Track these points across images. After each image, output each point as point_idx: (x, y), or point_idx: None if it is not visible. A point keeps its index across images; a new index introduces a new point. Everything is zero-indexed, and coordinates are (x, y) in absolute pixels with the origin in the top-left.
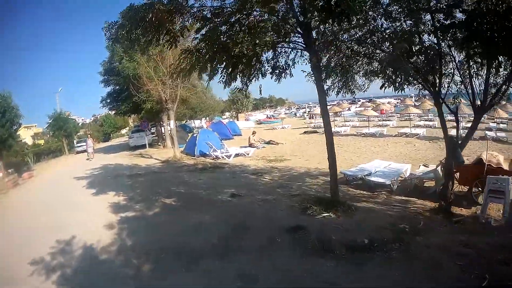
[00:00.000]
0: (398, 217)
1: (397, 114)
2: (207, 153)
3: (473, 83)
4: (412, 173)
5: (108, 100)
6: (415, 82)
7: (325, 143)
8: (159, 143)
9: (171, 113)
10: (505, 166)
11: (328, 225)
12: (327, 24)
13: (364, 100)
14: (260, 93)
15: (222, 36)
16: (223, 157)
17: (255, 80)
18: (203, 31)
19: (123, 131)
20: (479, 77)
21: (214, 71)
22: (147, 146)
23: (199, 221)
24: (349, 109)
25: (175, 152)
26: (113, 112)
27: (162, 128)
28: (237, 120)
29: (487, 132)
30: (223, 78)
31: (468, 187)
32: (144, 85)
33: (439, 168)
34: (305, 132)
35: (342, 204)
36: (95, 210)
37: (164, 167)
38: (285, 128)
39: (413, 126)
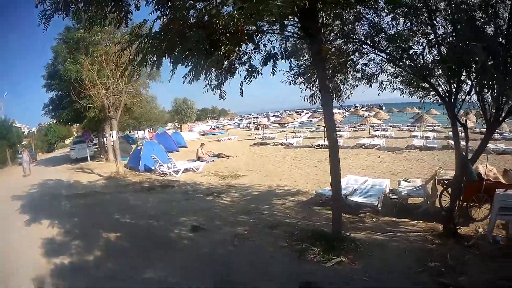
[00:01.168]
0: (413, 250)
1: (348, 125)
2: (153, 168)
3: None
4: (391, 189)
5: (51, 107)
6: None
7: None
8: (101, 156)
9: (114, 122)
10: (502, 180)
11: (348, 276)
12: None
13: (307, 111)
14: (242, 94)
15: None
16: (170, 173)
17: (236, 73)
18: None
19: (67, 141)
20: None
21: (181, 53)
22: (89, 159)
23: (157, 280)
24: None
25: (118, 167)
26: (55, 120)
27: (105, 139)
28: (181, 131)
29: (450, 141)
30: (193, 66)
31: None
32: (87, 90)
33: (429, 184)
34: (254, 144)
35: (347, 241)
36: (23, 251)
37: (107, 185)
38: (232, 139)
39: (369, 137)
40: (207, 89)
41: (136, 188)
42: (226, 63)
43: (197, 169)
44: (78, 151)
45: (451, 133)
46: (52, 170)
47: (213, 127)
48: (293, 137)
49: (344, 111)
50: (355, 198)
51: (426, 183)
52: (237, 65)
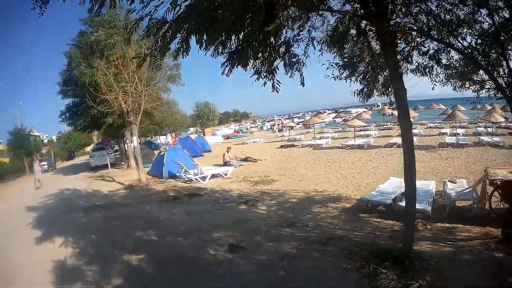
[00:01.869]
0: (484, 262)
1: (373, 124)
2: (177, 174)
3: None
4: (437, 191)
5: (68, 115)
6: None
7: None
8: (122, 162)
9: (134, 127)
10: None
11: None
12: None
13: (329, 111)
14: (303, 84)
15: None
16: (197, 179)
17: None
18: None
19: (88, 149)
20: None
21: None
22: (109, 166)
23: None
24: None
25: (140, 175)
26: (71, 128)
27: (126, 145)
28: (204, 135)
29: (481, 137)
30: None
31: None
32: (103, 95)
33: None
34: (281, 147)
35: (418, 259)
36: (29, 276)
37: (128, 195)
38: (257, 142)
39: (397, 136)
40: (257, 78)
41: (161, 198)
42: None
43: (225, 174)
44: (97, 159)
45: (479, 128)
46: (70, 179)
47: (236, 130)
48: (320, 138)
49: (367, 109)
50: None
51: (476, 184)
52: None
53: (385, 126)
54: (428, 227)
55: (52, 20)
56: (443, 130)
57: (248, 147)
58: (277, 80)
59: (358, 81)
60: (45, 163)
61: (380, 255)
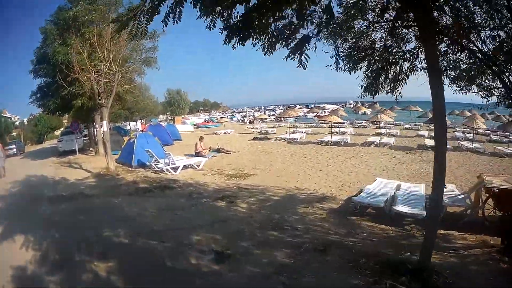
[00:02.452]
0: (493, 274)
1: (347, 121)
2: (147, 163)
3: None
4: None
5: (38, 95)
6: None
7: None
8: (91, 148)
9: (105, 111)
10: None
11: None
12: None
13: (300, 106)
14: (305, 67)
15: None
16: (168, 170)
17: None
18: None
19: (57, 132)
20: None
21: None
22: (77, 151)
23: None
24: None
25: (109, 163)
26: (42, 110)
27: (95, 130)
28: (174, 123)
29: (460, 142)
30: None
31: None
32: (75, 74)
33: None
34: (254, 139)
35: (435, 273)
36: None
37: (95, 184)
38: (229, 133)
39: (378, 134)
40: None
41: (130, 190)
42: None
43: (198, 166)
44: (66, 143)
45: (457, 133)
46: (37, 164)
47: (207, 119)
48: (294, 132)
49: (339, 106)
50: (401, 208)
51: (470, 191)
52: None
53: (360, 125)
54: (424, 233)
55: None
56: (420, 132)
57: (219, 138)
58: (306, 55)
59: (366, 74)
60: (14, 146)
61: (393, 268)
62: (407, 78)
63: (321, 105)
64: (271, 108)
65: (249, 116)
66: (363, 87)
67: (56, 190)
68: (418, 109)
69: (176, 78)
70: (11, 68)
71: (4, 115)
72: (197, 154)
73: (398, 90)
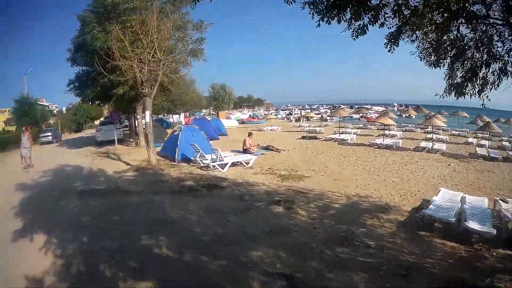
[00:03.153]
0: None
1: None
2: (192, 158)
3: None
4: (493, 210)
5: (76, 84)
6: None
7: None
8: (131, 140)
9: (148, 100)
10: None
11: None
12: None
13: (343, 106)
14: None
15: None
16: (215, 166)
17: None
18: None
19: (97, 122)
20: None
21: None
22: (116, 142)
23: None
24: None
25: (150, 156)
26: (80, 98)
27: (136, 121)
28: (217, 118)
29: (510, 152)
30: None
31: None
32: (116, 61)
33: None
34: (303, 137)
35: None
36: None
37: (135, 179)
38: (275, 130)
39: (430, 139)
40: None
41: (174, 187)
42: None
43: (247, 163)
44: (104, 133)
45: (504, 143)
46: (73, 153)
47: (252, 115)
48: (342, 133)
49: (385, 108)
50: (471, 224)
51: None
52: None
53: (407, 128)
54: (494, 253)
55: None
56: (469, 140)
57: (265, 135)
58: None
59: (452, 72)
60: (50, 134)
61: None
62: (500, 81)
63: (368, 106)
64: (315, 107)
65: (295, 114)
66: (449, 86)
67: (90, 183)
68: (465, 115)
69: (222, 74)
70: (50, 59)
71: (42, 103)
72: (245, 150)
73: (485, 94)
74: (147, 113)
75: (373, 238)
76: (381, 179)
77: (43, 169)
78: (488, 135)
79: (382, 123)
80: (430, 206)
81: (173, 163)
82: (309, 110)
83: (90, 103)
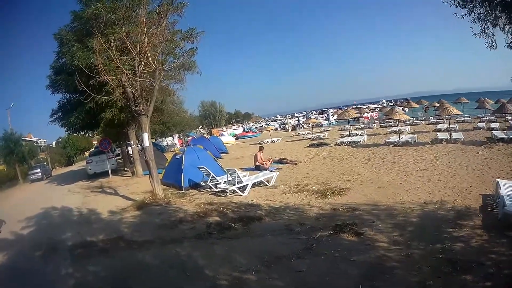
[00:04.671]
0: None
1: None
2: (202, 183)
3: None
4: None
5: (60, 114)
6: None
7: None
8: (126, 169)
9: (145, 120)
10: None
11: None
12: None
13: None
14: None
15: None
16: (234, 190)
17: None
18: None
19: (87, 154)
20: None
21: None
22: (110, 173)
23: None
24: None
25: (155, 188)
26: (65, 129)
27: (130, 148)
28: (215, 135)
29: (494, 132)
30: None
31: None
32: (101, 75)
33: None
34: (311, 145)
35: None
36: None
37: (141, 222)
38: (275, 141)
39: (434, 130)
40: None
41: (198, 229)
42: None
43: (268, 182)
44: (96, 165)
45: (476, 125)
46: (63, 190)
47: (246, 130)
48: (349, 135)
49: (377, 106)
50: None
51: None
52: None
53: (410, 122)
54: None
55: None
56: (479, 124)
57: (268, 147)
58: None
59: None
60: (38, 170)
61: None
62: None
63: (364, 106)
64: (303, 114)
65: (290, 123)
66: None
67: (83, 233)
68: (466, 101)
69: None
70: (32, 94)
71: (29, 139)
72: (257, 167)
73: None
74: (145, 135)
75: (479, 254)
76: (425, 179)
77: (25, 216)
78: (494, 118)
79: (397, 119)
80: (508, 202)
81: (180, 191)
82: (302, 118)
83: (77, 133)
